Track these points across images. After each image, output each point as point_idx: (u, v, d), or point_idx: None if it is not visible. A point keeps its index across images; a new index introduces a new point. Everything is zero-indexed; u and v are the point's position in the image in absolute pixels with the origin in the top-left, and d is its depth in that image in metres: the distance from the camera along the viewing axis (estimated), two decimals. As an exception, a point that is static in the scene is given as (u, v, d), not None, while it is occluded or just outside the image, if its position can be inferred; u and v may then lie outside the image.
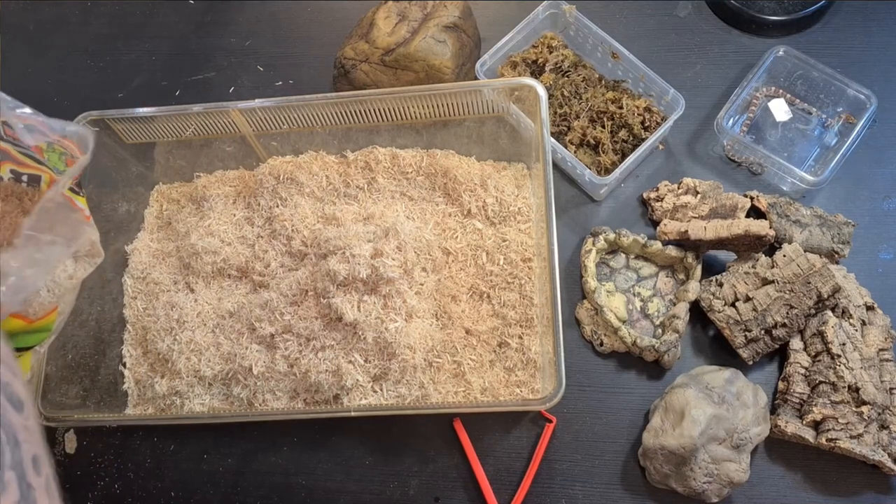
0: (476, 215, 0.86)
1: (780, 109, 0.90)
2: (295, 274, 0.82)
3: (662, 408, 0.75)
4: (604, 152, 0.87)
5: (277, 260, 0.85)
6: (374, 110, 0.84)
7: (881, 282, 0.82)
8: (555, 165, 0.89)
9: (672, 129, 0.88)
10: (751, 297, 0.77)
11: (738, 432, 0.72)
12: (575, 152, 0.88)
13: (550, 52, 0.93)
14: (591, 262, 0.83)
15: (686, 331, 0.81)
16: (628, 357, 0.82)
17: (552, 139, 0.82)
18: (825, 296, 0.75)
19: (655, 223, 0.86)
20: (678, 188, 0.86)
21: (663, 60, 0.95)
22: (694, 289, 0.80)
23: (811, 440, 0.73)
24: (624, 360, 0.83)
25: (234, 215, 0.90)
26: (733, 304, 0.78)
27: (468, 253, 0.84)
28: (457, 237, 0.85)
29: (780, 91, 0.91)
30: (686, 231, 0.79)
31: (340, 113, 0.84)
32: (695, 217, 0.83)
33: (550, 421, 0.80)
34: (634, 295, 0.84)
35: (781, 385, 0.78)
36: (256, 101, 0.82)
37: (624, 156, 0.87)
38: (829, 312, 0.77)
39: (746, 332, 0.76)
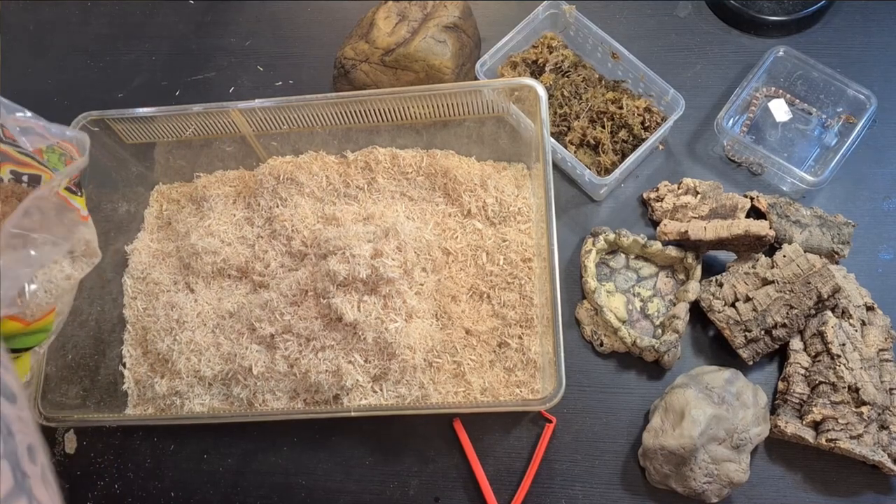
0: (476, 215, 0.86)
1: (780, 109, 0.90)
2: (295, 274, 0.82)
3: (662, 408, 0.75)
4: (604, 152, 0.87)
5: (277, 260, 0.85)
6: (374, 110, 0.84)
7: (881, 282, 0.82)
8: (555, 165, 0.89)
9: (672, 129, 0.88)
10: (751, 297, 0.77)
11: (738, 432, 0.72)
12: (575, 152, 0.88)
13: (550, 53, 0.93)
14: (591, 262, 0.83)
15: (686, 331, 0.81)
16: (628, 357, 0.82)
17: (552, 139, 0.82)
18: (825, 296, 0.75)
19: (655, 223, 0.87)
20: (678, 188, 0.86)
21: (663, 60, 0.95)
22: (694, 289, 0.80)
23: (811, 440, 0.73)
24: (624, 361, 0.83)
25: (234, 215, 0.90)
26: (733, 305, 0.78)
27: (468, 253, 0.84)
28: (457, 237, 0.85)
29: (780, 91, 0.91)
30: (686, 231, 0.79)
31: (340, 113, 0.84)
32: (695, 217, 0.83)
33: (550, 421, 0.80)
34: (634, 295, 0.84)
35: (781, 385, 0.78)
36: (256, 101, 0.82)
37: (624, 156, 0.87)
38: (829, 313, 0.77)
39: (746, 333, 0.76)
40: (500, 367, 0.80)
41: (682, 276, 0.84)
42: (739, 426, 0.72)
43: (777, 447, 0.77)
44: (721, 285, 0.79)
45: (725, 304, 0.78)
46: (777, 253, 0.78)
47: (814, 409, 0.73)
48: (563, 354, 0.69)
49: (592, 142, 0.88)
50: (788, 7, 0.95)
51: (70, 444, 0.85)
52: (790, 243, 0.79)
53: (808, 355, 0.77)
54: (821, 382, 0.74)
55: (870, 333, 0.77)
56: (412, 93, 0.81)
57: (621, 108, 0.88)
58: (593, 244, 0.84)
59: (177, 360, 0.82)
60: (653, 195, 0.87)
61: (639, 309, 0.84)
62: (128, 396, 0.86)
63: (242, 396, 0.80)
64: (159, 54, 1.07)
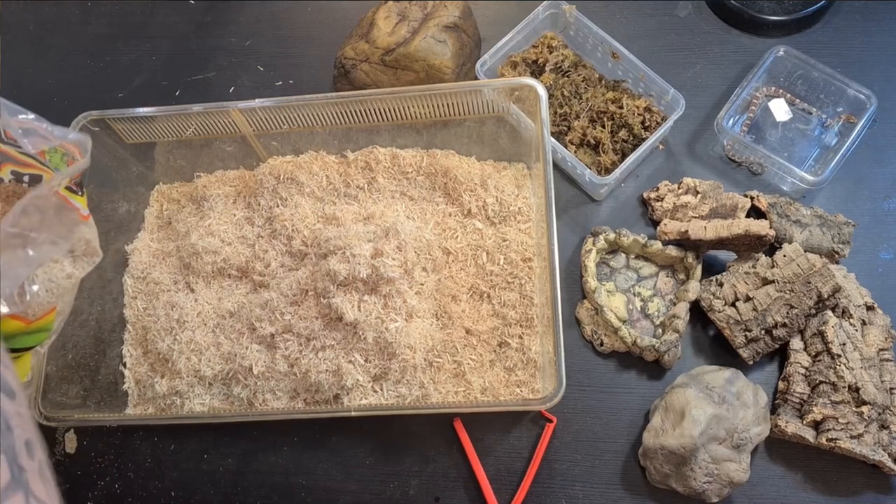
0: (476, 215, 0.86)
1: (780, 109, 0.90)
2: (295, 274, 0.82)
3: (662, 408, 0.75)
4: (604, 152, 0.87)
5: (277, 260, 0.85)
6: (374, 110, 0.84)
7: (881, 282, 0.82)
8: (555, 165, 0.89)
9: (672, 129, 0.88)
10: (751, 296, 0.77)
11: (739, 432, 0.72)
12: (575, 152, 0.88)
13: (550, 52, 0.93)
14: (591, 261, 0.83)
15: (686, 331, 0.81)
16: (628, 357, 0.82)
17: (552, 139, 0.82)
18: (825, 296, 0.75)
19: (655, 223, 0.87)
20: (678, 188, 0.87)
21: (663, 60, 0.95)
22: (694, 289, 0.80)
23: (811, 440, 0.73)
24: (624, 360, 0.83)
25: (235, 215, 0.90)
26: (733, 304, 0.78)
27: (468, 253, 0.84)
28: (457, 237, 0.85)
29: (781, 91, 0.91)
30: (686, 231, 0.79)
31: (340, 113, 0.84)
32: (695, 217, 0.83)
33: (550, 421, 0.80)
34: (634, 295, 0.84)
35: (781, 385, 0.78)
36: (256, 101, 0.82)
37: (624, 156, 0.87)
38: (830, 312, 0.77)
39: (746, 332, 0.76)
40: (501, 367, 0.80)
41: (682, 276, 0.84)
42: (740, 426, 0.72)
43: (777, 447, 0.77)
44: (721, 285, 0.79)
45: (726, 304, 0.78)
46: (777, 252, 0.78)
47: (814, 408, 0.73)
48: (563, 354, 0.69)
49: (592, 141, 0.88)
50: (788, 7, 0.95)
51: (70, 443, 0.85)
52: (790, 243, 0.79)
53: (809, 355, 0.77)
54: (821, 382, 0.74)
55: (870, 333, 0.77)
56: (412, 93, 0.81)
57: (621, 107, 0.88)
58: (593, 244, 0.84)
59: (177, 359, 0.82)
60: (653, 195, 0.87)
61: (639, 308, 0.84)
62: (128, 396, 0.86)
63: (243, 396, 0.80)
64: (159, 54, 1.07)
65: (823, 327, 0.76)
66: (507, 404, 0.75)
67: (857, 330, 0.76)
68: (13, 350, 0.68)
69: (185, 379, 0.82)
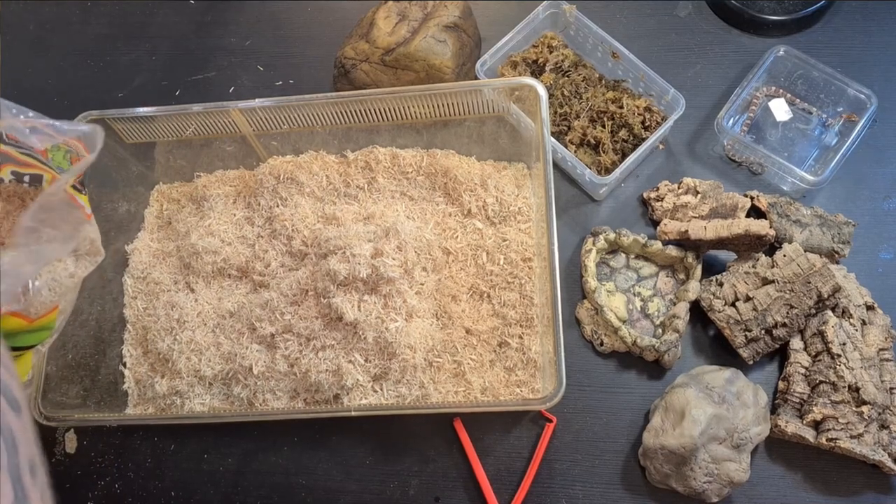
0: (476, 215, 0.86)
1: (780, 109, 0.90)
2: (295, 274, 0.82)
3: (662, 407, 0.75)
4: (604, 152, 0.87)
5: (278, 260, 0.85)
6: (374, 110, 0.84)
7: (881, 282, 0.82)
8: (555, 165, 0.89)
9: (672, 128, 0.88)
10: (751, 296, 0.77)
11: (739, 432, 0.72)
12: (575, 152, 0.88)
13: (550, 52, 0.93)
14: (591, 261, 0.83)
15: (686, 331, 0.81)
16: (628, 357, 0.82)
17: (552, 139, 0.82)
18: (825, 296, 0.75)
19: (655, 223, 0.87)
20: (678, 188, 0.86)
21: (663, 60, 0.95)
22: (694, 288, 0.80)
23: (811, 440, 0.73)
24: (624, 360, 0.83)
25: (235, 215, 0.90)
26: (733, 304, 0.78)
27: (468, 253, 0.84)
28: (457, 237, 0.85)
29: (781, 91, 0.91)
30: (686, 231, 0.79)
31: (340, 113, 0.84)
32: (695, 217, 0.83)
33: (550, 421, 0.80)
34: (634, 295, 0.84)
35: (781, 385, 0.78)
36: (256, 100, 0.82)
37: (624, 156, 0.87)
38: (830, 312, 0.77)
39: (746, 332, 0.76)
40: (501, 367, 0.80)
41: (682, 276, 0.84)
42: (740, 426, 0.72)
43: (777, 447, 0.77)
44: (721, 285, 0.79)
45: (725, 304, 0.78)
46: (777, 252, 0.78)
47: (814, 408, 0.73)
48: (563, 354, 0.69)
49: (592, 141, 0.88)
50: (788, 7, 0.95)
51: (70, 443, 0.85)
52: (790, 243, 0.79)
53: (809, 355, 0.77)
54: (821, 382, 0.74)
55: (870, 333, 0.77)
56: (412, 92, 0.81)
57: (621, 107, 0.88)
58: (593, 244, 0.84)
59: (177, 359, 0.82)
60: (653, 195, 0.87)
61: (639, 308, 0.84)
62: (128, 396, 0.86)
63: (243, 396, 0.80)
64: (159, 54, 1.07)
65: (823, 327, 0.76)
66: (507, 404, 0.75)
67: (857, 330, 0.76)
68: (14, 348, 0.68)
69: (185, 379, 0.82)
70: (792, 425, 0.74)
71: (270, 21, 1.07)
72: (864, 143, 0.87)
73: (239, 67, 1.04)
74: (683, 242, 0.81)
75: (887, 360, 0.76)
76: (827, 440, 0.72)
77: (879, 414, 0.73)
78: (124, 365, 0.87)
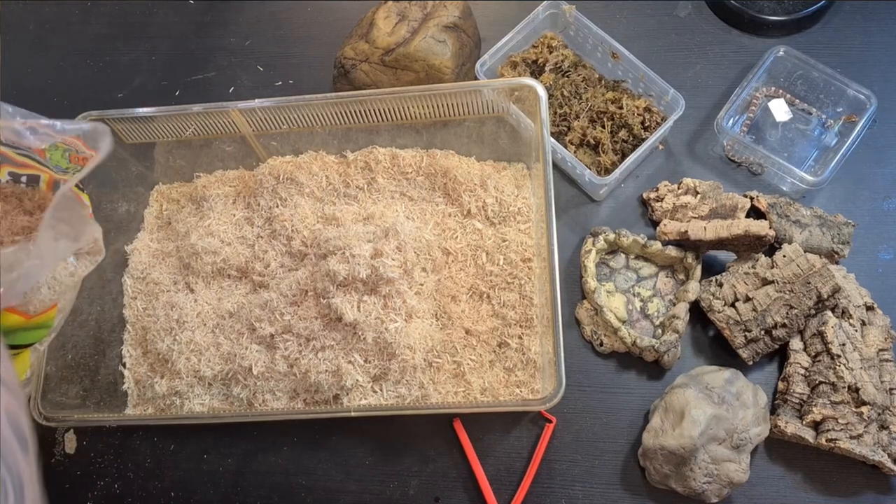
0: (476, 215, 0.86)
1: (780, 109, 0.90)
2: (295, 274, 0.82)
3: (662, 408, 0.75)
4: (604, 152, 0.87)
5: (277, 260, 0.85)
6: (374, 110, 0.84)
7: (881, 282, 0.82)
8: (555, 165, 0.89)
9: (672, 129, 0.88)
10: (751, 297, 0.77)
11: (738, 432, 0.72)
12: (575, 152, 0.88)
13: (550, 52, 0.93)
14: (591, 262, 0.83)
15: (686, 331, 0.81)
16: (628, 357, 0.82)
17: (552, 139, 0.82)
18: (825, 296, 0.75)
19: (655, 223, 0.87)
20: (678, 188, 0.86)
21: (663, 60, 0.95)
22: (694, 289, 0.80)
23: (811, 440, 0.73)
24: (624, 361, 0.83)
25: (234, 215, 0.90)
26: (733, 305, 0.78)
27: (468, 253, 0.84)
28: (457, 237, 0.85)
29: (780, 91, 0.91)
30: (686, 231, 0.79)
31: (340, 113, 0.84)
32: (695, 217, 0.83)
33: (550, 421, 0.80)
34: (634, 295, 0.84)
35: (781, 385, 0.78)
36: (256, 101, 0.82)
37: (624, 156, 0.87)
38: (829, 313, 0.77)
39: (746, 333, 0.76)
40: (500, 367, 0.80)
41: (682, 276, 0.84)
42: (739, 426, 0.72)
43: (777, 447, 0.77)
44: (721, 285, 0.79)
45: (725, 304, 0.78)
46: (777, 253, 0.78)
47: (814, 409, 0.73)
48: (563, 354, 0.69)
49: (592, 142, 0.88)
50: (788, 7, 0.95)
51: (70, 444, 0.85)
52: (790, 243, 0.79)
53: (808, 355, 0.77)
54: (821, 382, 0.74)
55: (870, 333, 0.77)
56: (412, 93, 0.81)
57: (621, 107, 0.88)
58: (593, 244, 0.84)
59: (177, 360, 0.82)
60: (653, 195, 0.87)
61: (639, 309, 0.84)
62: (128, 396, 0.86)
63: (242, 396, 0.80)
64: (159, 54, 1.07)
65: (823, 328, 0.76)
66: (507, 404, 0.75)
67: (856, 330, 0.76)
68: (13, 346, 0.68)
69: (184, 379, 0.82)
70: (792, 426, 0.74)
71: (270, 21, 1.07)
72: (863, 144, 0.87)
73: (239, 67, 1.04)
74: (683, 243, 0.81)
75: (887, 360, 0.76)
76: (827, 441, 0.72)
77: (879, 414, 0.73)
78: (124, 365, 0.87)
